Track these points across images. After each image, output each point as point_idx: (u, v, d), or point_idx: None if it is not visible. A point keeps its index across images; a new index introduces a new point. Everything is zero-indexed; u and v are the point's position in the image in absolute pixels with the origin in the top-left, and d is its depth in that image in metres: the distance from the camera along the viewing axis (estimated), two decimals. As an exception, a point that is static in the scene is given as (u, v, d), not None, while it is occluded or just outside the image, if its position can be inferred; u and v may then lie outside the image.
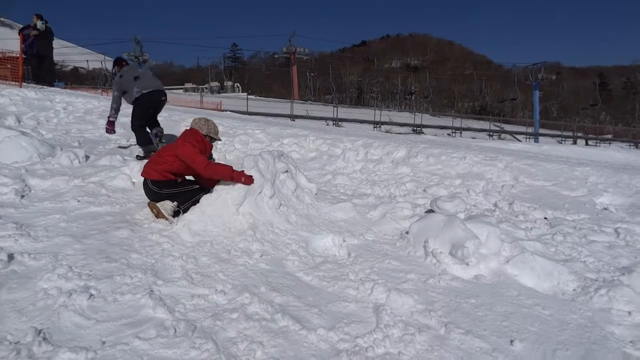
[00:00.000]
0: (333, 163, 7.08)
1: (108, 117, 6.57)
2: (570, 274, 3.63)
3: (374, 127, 34.86)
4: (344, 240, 4.02)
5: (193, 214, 3.97)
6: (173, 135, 7.46)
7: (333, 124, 32.63)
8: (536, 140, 36.43)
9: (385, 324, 2.73)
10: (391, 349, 2.52)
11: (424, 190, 5.82)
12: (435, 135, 29.14)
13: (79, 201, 4.31)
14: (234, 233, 3.89)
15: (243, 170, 4.23)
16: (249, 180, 4.16)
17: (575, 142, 37.03)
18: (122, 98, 6.44)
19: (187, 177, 4.53)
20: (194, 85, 57.82)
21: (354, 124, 34.17)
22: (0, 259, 2.91)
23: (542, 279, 3.60)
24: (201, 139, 4.42)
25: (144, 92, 6.23)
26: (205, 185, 4.45)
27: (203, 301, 2.82)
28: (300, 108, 38.13)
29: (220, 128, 9.07)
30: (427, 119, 44.21)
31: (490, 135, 38.82)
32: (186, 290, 2.93)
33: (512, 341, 2.73)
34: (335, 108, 35.87)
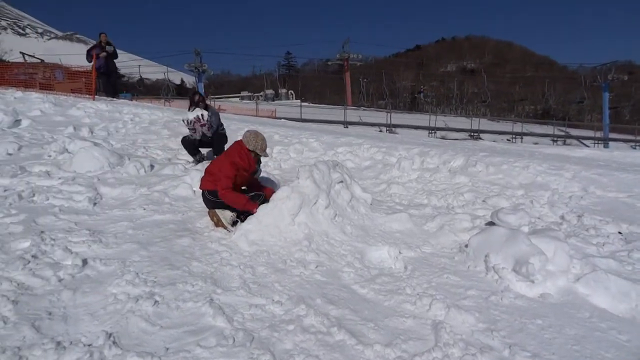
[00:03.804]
0: (388, 172, 6.99)
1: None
2: (650, 296, 3.33)
3: (429, 133, 34.12)
4: (400, 253, 3.95)
5: (250, 224, 4.06)
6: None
7: (387, 130, 32.32)
8: (606, 146, 34.01)
9: (444, 342, 2.64)
10: (451, 370, 2.43)
11: (483, 201, 5.59)
12: (494, 141, 28.01)
13: (144, 209, 4.55)
14: (290, 243, 3.93)
15: (257, 202, 4.33)
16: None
17: (650, 147, 34.16)
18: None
19: (243, 187, 4.67)
20: (249, 94, 59.62)
21: (408, 130, 33.67)
22: (75, 264, 3.12)
23: (618, 300, 3.33)
24: (246, 155, 4.54)
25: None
26: (261, 193, 4.55)
27: (260, 311, 2.86)
28: (353, 114, 38.15)
29: (275, 137, 9.31)
30: (485, 124, 42.62)
31: (554, 141, 36.77)
32: (244, 299, 2.99)
33: (584, 368, 2.54)
34: (389, 114, 35.51)
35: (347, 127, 29.05)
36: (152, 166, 6.11)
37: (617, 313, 3.23)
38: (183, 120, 6.93)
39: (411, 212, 5.12)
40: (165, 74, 50.17)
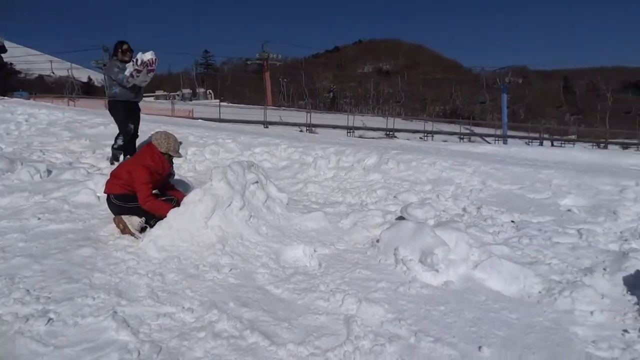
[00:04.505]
0: (304, 171, 7.07)
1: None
2: (536, 277, 3.70)
3: (348, 132, 35.08)
4: (315, 251, 4.00)
5: (160, 229, 3.88)
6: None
7: (307, 130, 32.67)
8: (505, 142, 37.34)
9: (355, 335, 2.72)
10: (361, 362, 2.51)
11: (394, 197, 5.87)
12: (408, 140, 29.50)
13: (39, 219, 4.15)
14: (203, 247, 3.82)
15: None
16: None
17: (541, 144, 38.08)
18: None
19: (154, 192, 4.44)
20: (165, 93, 56.98)
21: (328, 130, 34.31)
22: (-49, 285, 2.77)
23: (509, 283, 3.67)
24: (159, 158, 4.32)
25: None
26: (173, 197, 4.37)
27: (169, 320, 2.75)
28: (273, 114, 38.06)
29: (190, 138, 8.99)
30: (400, 123, 44.83)
31: (461, 138, 39.56)
32: (152, 309, 2.85)
33: (480, 347, 2.76)
34: (309, 114, 35.93)
35: (267, 127, 28.91)
36: (49, 171, 5.59)
37: (509, 294, 3.55)
38: (133, 61, 6.23)
39: (326, 211, 5.23)
40: (69, 70, 46.31)
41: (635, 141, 43.01)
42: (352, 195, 5.99)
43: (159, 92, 57.18)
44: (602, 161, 15.04)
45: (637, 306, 3.39)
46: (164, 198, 4.33)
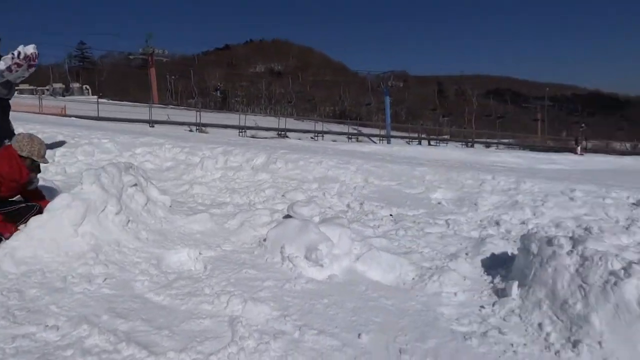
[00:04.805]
0: (191, 172, 6.82)
1: None
2: (410, 265, 4.05)
3: (240, 132, 34.60)
4: (200, 254, 3.89)
5: (17, 240, 3.45)
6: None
7: (197, 129, 31.51)
8: (389, 142, 40.02)
9: (240, 336, 2.71)
10: (246, 361, 2.51)
11: (282, 196, 5.94)
12: (300, 139, 30.06)
13: None
14: (72, 257, 3.48)
15: (12, 225, 3.70)
16: None
17: (420, 143, 41.58)
18: None
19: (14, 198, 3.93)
20: (32, 87, 50.48)
21: (218, 130, 33.48)
22: None
23: (387, 272, 3.95)
24: (17, 163, 3.78)
25: None
26: (35, 204, 3.90)
27: (29, 341, 2.46)
28: (160, 113, 36.04)
29: (59, 137, 8.11)
30: (292, 123, 45.55)
31: (349, 138, 41.43)
32: (7, 331, 2.53)
33: (359, 335, 2.93)
34: (199, 113, 34.71)
35: (153, 127, 27.25)
36: None
37: (387, 283, 3.83)
38: (13, 53, 5.55)
39: (213, 212, 5.11)
40: None
41: (495, 141, 49.11)
42: (240, 195, 5.94)
43: (24, 87, 50.43)
44: (469, 158, 16.92)
45: (492, 284, 3.88)
46: (21, 205, 3.84)
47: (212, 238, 4.44)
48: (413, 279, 3.90)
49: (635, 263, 3.03)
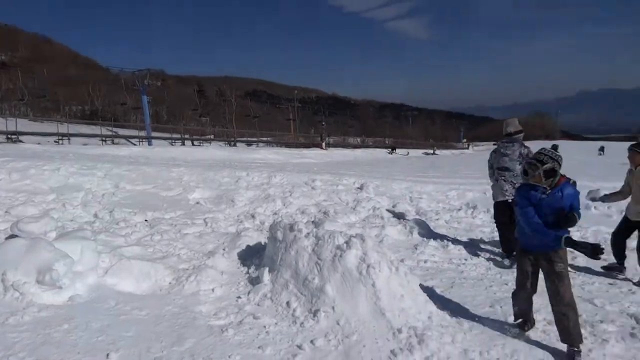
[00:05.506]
0: None
1: None
2: (166, 269, 3.94)
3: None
4: None
5: None
6: None
7: None
8: (150, 144, 37.79)
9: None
10: None
11: (6, 212, 4.91)
12: (39, 144, 25.35)
13: None
14: None
15: None
16: None
17: (183, 143, 40.71)
18: None
19: None
20: None
21: None
22: None
23: (141, 281, 3.74)
24: None
25: None
26: None
27: None
28: None
29: None
30: (27, 125, 37.95)
31: (103, 141, 37.32)
32: None
33: (107, 355, 2.68)
34: None
35: None
36: None
37: (141, 292, 3.63)
38: None
39: None
40: None
41: (255, 139, 52.28)
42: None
43: None
44: (234, 157, 17.51)
45: (247, 274, 4.13)
46: None
47: None
48: (170, 283, 3.81)
49: (353, 237, 3.69)
